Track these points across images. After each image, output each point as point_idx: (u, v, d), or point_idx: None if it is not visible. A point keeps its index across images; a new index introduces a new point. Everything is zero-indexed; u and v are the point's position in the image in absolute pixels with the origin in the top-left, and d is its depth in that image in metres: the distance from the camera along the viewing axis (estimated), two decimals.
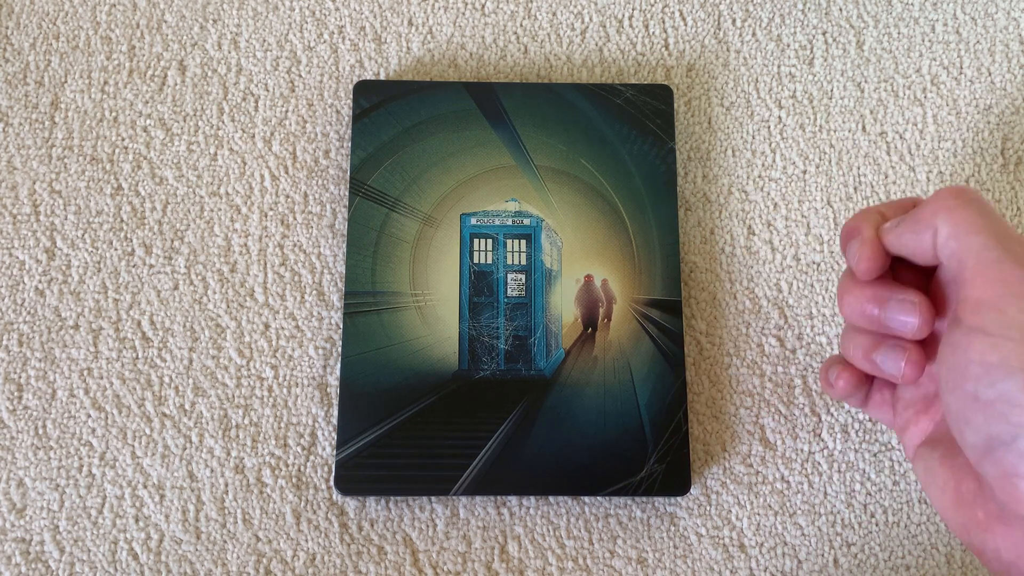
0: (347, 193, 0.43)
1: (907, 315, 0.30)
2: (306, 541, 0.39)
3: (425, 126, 0.43)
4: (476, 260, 0.42)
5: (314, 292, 0.42)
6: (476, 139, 0.43)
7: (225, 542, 0.39)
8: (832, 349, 0.43)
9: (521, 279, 0.42)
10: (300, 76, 0.45)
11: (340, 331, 0.41)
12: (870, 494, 0.41)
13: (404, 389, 0.40)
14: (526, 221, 0.42)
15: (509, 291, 0.42)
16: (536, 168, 0.43)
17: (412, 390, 0.40)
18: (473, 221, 0.42)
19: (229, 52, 0.46)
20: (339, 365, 0.40)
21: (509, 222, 0.42)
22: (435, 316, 0.41)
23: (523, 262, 0.42)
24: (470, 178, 0.43)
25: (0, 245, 0.42)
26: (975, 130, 0.46)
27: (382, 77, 0.45)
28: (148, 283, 0.42)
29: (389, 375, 0.40)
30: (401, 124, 0.43)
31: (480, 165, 0.43)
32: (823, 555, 0.40)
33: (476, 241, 0.42)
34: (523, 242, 0.42)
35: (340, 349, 0.41)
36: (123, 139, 0.44)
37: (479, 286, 0.41)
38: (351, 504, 0.39)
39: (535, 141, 0.43)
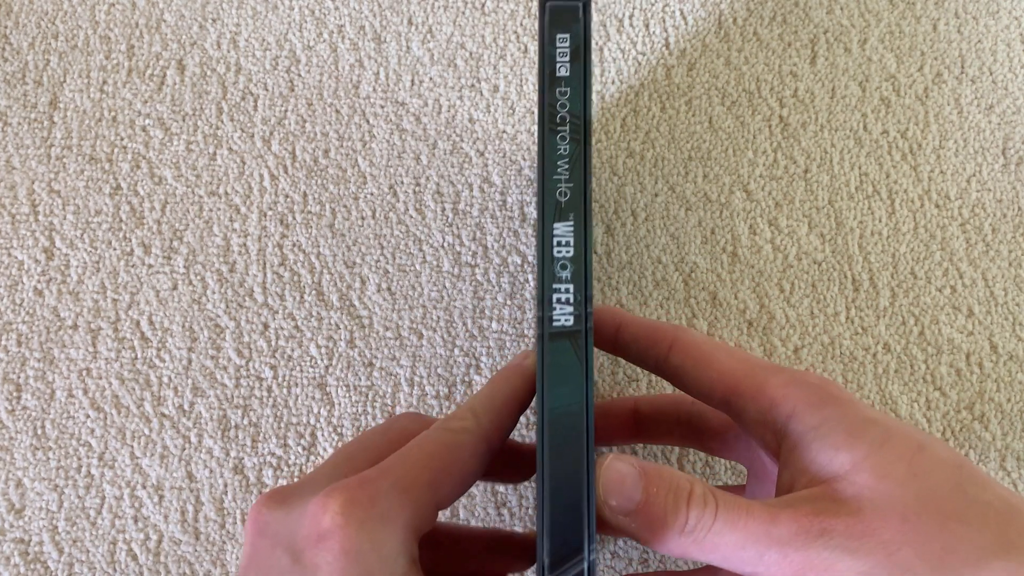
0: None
1: None
2: None
3: None
4: None
5: (313, 292, 0.42)
6: None
7: (224, 542, 0.39)
8: (834, 350, 0.42)
9: None
10: (299, 76, 0.45)
11: (341, 330, 0.41)
12: None
13: None
14: None
15: None
16: None
17: None
18: None
19: (228, 51, 0.45)
20: (542, 419, 0.22)
21: None
22: None
23: None
24: None
25: None
26: (976, 129, 0.46)
27: (381, 77, 0.45)
28: (147, 283, 0.42)
29: None
30: None
31: None
32: None
33: None
34: None
35: (542, 383, 0.22)
36: (122, 139, 0.44)
37: None
38: None
39: None
